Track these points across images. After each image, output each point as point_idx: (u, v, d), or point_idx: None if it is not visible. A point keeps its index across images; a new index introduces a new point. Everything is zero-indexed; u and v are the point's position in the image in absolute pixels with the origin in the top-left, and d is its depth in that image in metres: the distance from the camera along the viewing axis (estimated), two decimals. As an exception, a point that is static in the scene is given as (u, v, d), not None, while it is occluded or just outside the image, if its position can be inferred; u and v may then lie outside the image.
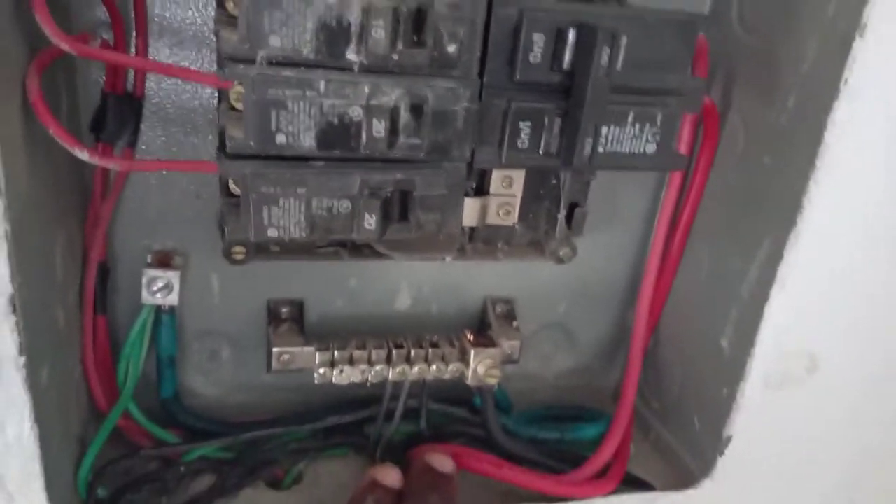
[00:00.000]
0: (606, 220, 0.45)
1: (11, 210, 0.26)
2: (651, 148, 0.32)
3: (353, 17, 0.26)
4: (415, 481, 0.37)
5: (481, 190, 0.40)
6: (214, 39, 0.35)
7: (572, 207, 0.42)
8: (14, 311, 0.27)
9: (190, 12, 0.36)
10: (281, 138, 0.27)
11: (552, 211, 0.42)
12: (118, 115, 0.35)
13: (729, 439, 0.40)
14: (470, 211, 0.37)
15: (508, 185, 0.41)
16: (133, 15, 0.35)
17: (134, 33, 0.35)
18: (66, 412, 0.35)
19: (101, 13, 0.34)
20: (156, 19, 0.36)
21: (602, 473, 0.41)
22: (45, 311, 0.31)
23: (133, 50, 0.35)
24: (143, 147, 0.37)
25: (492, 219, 0.41)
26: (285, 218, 0.28)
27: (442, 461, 0.38)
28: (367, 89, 0.27)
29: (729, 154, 0.40)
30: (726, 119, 0.40)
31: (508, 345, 0.44)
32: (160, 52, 0.36)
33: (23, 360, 0.28)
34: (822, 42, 0.34)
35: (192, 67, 0.36)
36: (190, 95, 0.37)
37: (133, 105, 0.36)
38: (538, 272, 0.46)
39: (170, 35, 0.36)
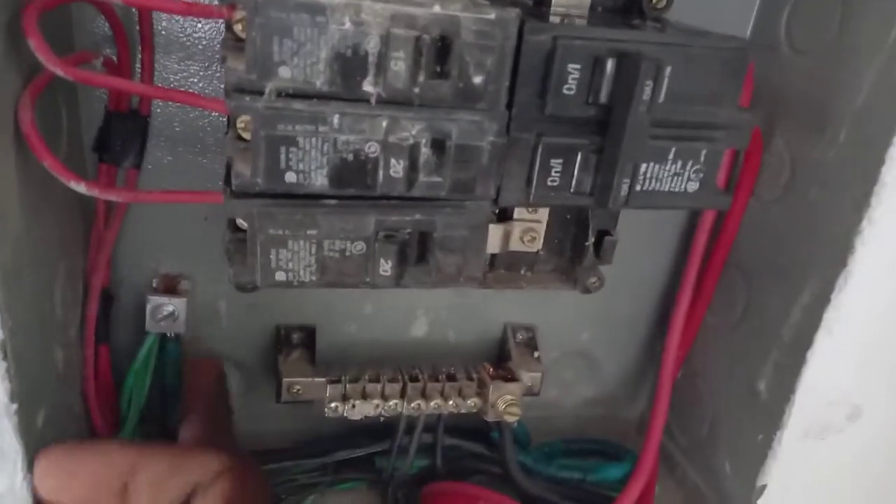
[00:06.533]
0: (636, 248, 0.42)
1: (2, 254, 0.24)
2: (693, 186, 0.29)
3: (371, 46, 0.23)
4: None
5: (505, 215, 0.38)
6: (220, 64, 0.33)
7: (601, 235, 0.40)
8: (5, 356, 0.25)
9: (199, 24, 0.34)
10: (291, 177, 0.25)
11: (579, 238, 0.40)
12: (122, 134, 0.34)
13: (763, 488, 0.37)
14: (492, 237, 0.35)
15: (534, 211, 0.39)
16: (138, 28, 0.33)
17: (139, 47, 0.33)
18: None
19: (105, 26, 0.32)
20: (163, 32, 0.34)
21: (626, 519, 0.39)
22: (42, 353, 0.29)
23: (138, 65, 0.33)
24: (150, 167, 0.35)
25: (515, 245, 0.39)
26: (294, 261, 0.26)
27: None
28: (384, 124, 0.25)
29: (772, 185, 0.37)
30: (770, 147, 0.37)
31: (529, 377, 0.42)
32: (168, 67, 0.34)
33: (14, 407, 0.26)
34: (881, 69, 0.31)
35: (202, 83, 0.35)
36: (199, 113, 0.35)
37: (138, 123, 0.34)
38: (561, 298, 0.44)
39: (178, 49, 0.34)
